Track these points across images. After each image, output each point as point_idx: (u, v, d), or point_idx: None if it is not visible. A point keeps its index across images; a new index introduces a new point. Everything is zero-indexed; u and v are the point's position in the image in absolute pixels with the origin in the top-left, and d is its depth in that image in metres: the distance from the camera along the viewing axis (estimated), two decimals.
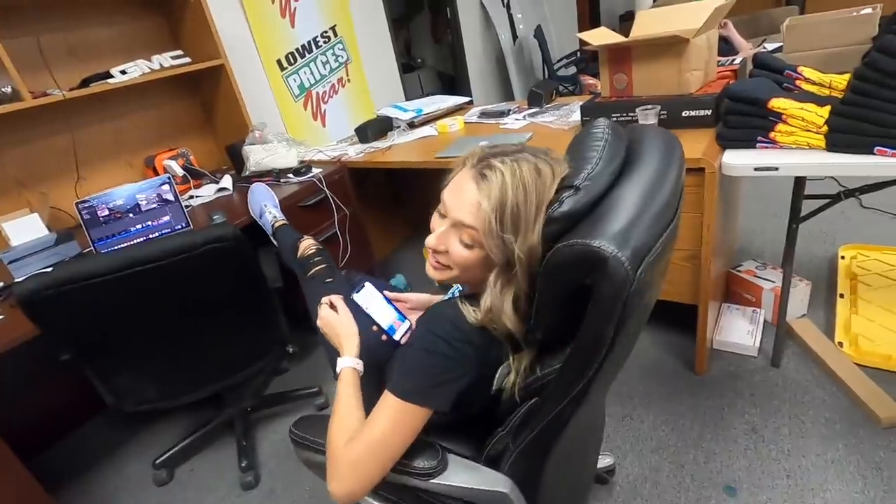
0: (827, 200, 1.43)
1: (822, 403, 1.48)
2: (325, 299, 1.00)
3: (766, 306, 1.81)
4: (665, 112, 1.54)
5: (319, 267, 1.43)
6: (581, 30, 5.73)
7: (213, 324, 1.41)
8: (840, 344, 1.64)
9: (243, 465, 1.62)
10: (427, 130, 2.32)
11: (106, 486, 1.74)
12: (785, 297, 1.58)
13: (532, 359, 0.76)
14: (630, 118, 1.59)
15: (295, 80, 2.78)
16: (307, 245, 1.55)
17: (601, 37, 1.67)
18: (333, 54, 2.98)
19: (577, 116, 1.85)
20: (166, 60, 2.07)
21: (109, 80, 1.90)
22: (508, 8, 4.40)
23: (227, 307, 1.40)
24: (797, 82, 1.35)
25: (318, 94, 2.92)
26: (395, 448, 0.71)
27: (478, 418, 0.84)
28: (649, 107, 1.49)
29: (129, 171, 2.17)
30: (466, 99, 2.69)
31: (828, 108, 1.22)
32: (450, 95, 2.71)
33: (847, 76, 1.24)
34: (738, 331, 1.75)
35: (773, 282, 1.80)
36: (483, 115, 2.34)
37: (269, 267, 1.56)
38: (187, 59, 2.13)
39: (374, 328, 0.94)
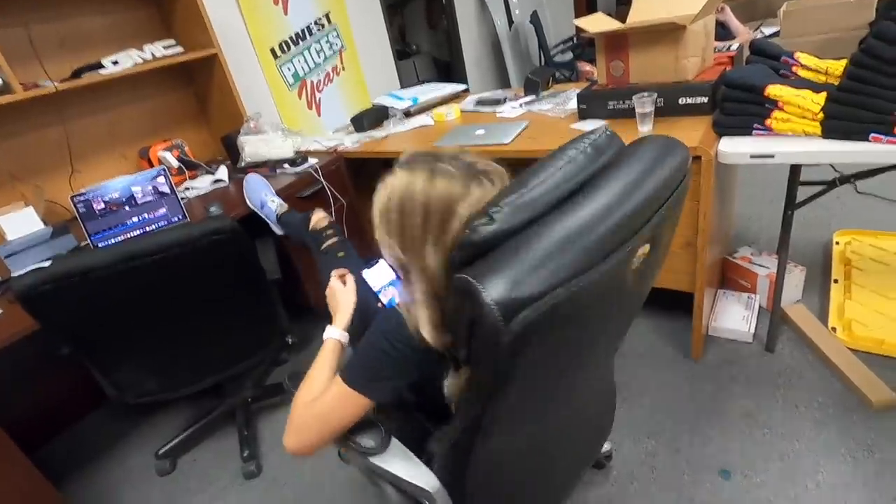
0: (822, 187, 1.44)
1: (816, 388, 1.50)
2: (337, 271, 1.06)
3: (761, 292, 1.83)
4: (662, 99, 1.53)
5: (332, 241, 1.45)
6: (578, 15, 5.67)
7: (213, 316, 1.42)
8: (833, 329, 1.66)
9: (245, 454, 1.64)
10: (423, 119, 2.30)
11: (109, 477, 1.76)
12: (780, 284, 1.59)
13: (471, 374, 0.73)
14: (626, 106, 1.59)
15: (289, 69, 2.76)
16: (319, 218, 1.57)
17: (598, 23, 1.66)
18: (328, 42, 2.94)
19: (573, 104, 1.84)
20: (158, 50, 2.04)
21: (101, 71, 1.88)
22: None
23: (226, 299, 1.41)
24: (794, 69, 1.35)
25: (312, 82, 2.89)
26: (334, 423, 0.79)
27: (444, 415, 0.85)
28: (646, 94, 1.49)
29: (123, 163, 2.15)
30: (462, 87, 2.67)
31: (824, 94, 1.22)
32: (446, 83, 2.69)
33: (844, 62, 1.24)
34: (734, 317, 1.77)
35: (768, 268, 1.81)
36: (479, 103, 2.32)
37: (267, 258, 1.57)
38: (180, 49, 2.10)
39: (380, 304, 0.97)
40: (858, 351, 1.56)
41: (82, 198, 1.61)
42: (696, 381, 1.62)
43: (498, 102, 2.25)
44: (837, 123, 1.21)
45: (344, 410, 0.77)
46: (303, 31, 2.79)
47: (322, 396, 0.79)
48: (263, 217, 1.78)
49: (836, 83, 1.22)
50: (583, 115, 1.74)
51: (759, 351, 1.67)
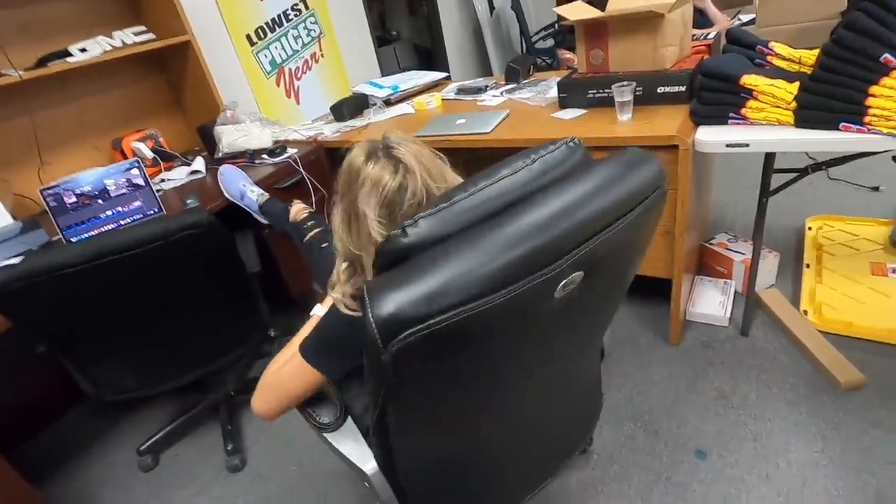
0: (795, 174, 1.47)
1: (788, 370, 1.55)
2: None
3: (736, 278, 1.87)
4: (641, 88, 1.54)
5: (314, 232, 1.47)
6: (558, 2, 5.63)
7: (192, 311, 1.40)
8: (805, 312, 1.71)
9: (229, 448, 1.64)
10: (404, 108, 2.28)
11: (89, 474, 1.74)
12: (754, 269, 1.63)
13: None
14: (606, 94, 1.59)
15: (266, 56, 2.70)
16: (298, 209, 1.58)
17: (577, 11, 1.65)
18: (305, 28, 2.88)
19: (554, 93, 1.84)
20: (129, 37, 1.98)
21: (69, 59, 1.81)
22: None
23: (206, 294, 1.39)
24: (768, 58, 1.36)
25: (290, 70, 2.83)
26: (289, 391, 0.85)
27: None
28: (625, 83, 1.50)
29: (95, 154, 2.09)
30: (443, 74, 2.65)
31: (797, 84, 1.24)
32: (426, 71, 2.66)
33: (817, 51, 1.26)
34: (710, 302, 1.81)
35: (743, 254, 1.85)
36: (460, 91, 2.31)
37: (246, 251, 1.55)
38: (151, 36, 2.04)
39: None
40: (829, 333, 1.61)
41: (52, 191, 1.56)
42: (674, 365, 1.66)
43: (479, 91, 2.24)
44: (809, 112, 1.24)
45: (297, 379, 0.84)
46: (279, 16, 2.72)
47: (284, 365, 0.85)
48: (245, 208, 1.75)
49: (809, 72, 1.24)
50: (563, 104, 1.74)
51: (735, 335, 1.72)
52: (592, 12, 1.64)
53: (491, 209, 0.57)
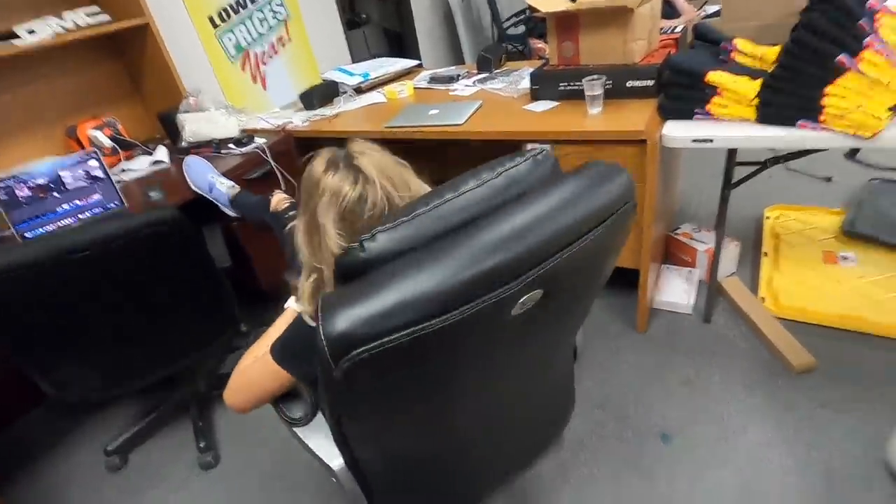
0: (757, 167, 1.52)
1: (747, 355, 1.63)
2: None
3: (700, 266, 1.95)
4: (610, 82, 1.56)
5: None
6: None
7: (160, 309, 1.36)
8: (763, 299, 1.80)
9: (201, 445, 1.61)
10: (375, 96, 2.25)
11: (54, 476, 1.69)
12: (717, 258, 1.70)
13: None
14: (577, 87, 1.61)
15: (230, 39, 2.59)
16: (280, 199, 1.53)
17: (549, 3, 1.65)
18: (271, 10, 2.78)
19: (526, 84, 1.84)
20: (81, 18, 1.87)
21: (15, 42, 1.70)
22: None
23: (173, 291, 1.35)
24: (732, 55, 1.40)
25: (256, 54, 2.74)
26: (258, 389, 0.87)
27: None
28: (595, 77, 1.51)
29: (47, 144, 1.98)
30: (415, 63, 2.61)
31: (759, 81, 1.28)
32: (398, 58, 2.62)
33: (778, 48, 1.30)
34: (676, 290, 1.87)
35: (706, 243, 1.92)
36: (433, 80, 2.29)
37: (215, 245, 1.51)
38: (106, 17, 1.93)
39: None
40: (784, 319, 1.70)
41: (2, 184, 1.48)
42: (641, 352, 1.72)
43: (451, 80, 2.22)
44: (770, 110, 1.28)
45: (265, 378, 0.84)
46: None
47: (255, 363, 0.86)
48: (213, 200, 1.70)
49: (771, 70, 1.29)
50: (535, 95, 1.75)
51: (698, 322, 1.79)
52: (564, 4, 1.65)
53: (452, 223, 0.57)
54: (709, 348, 1.68)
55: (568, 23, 1.63)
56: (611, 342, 1.77)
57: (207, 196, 1.70)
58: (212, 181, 1.68)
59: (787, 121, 1.27)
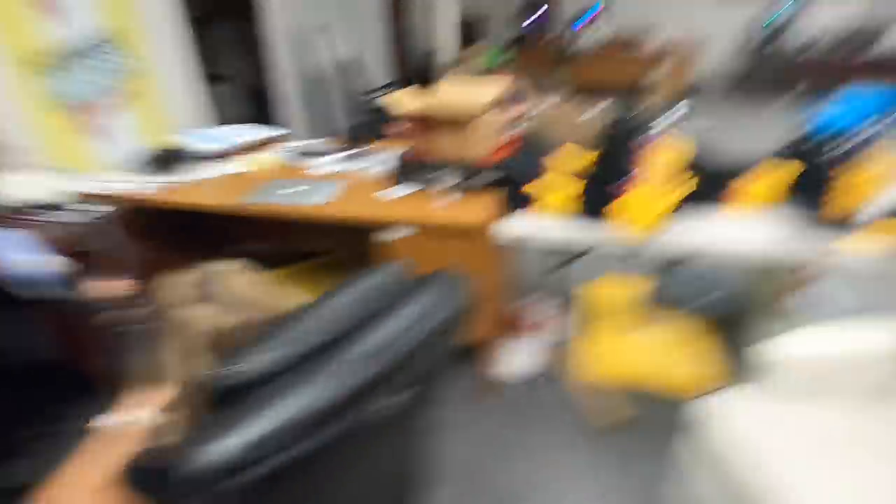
0: (576, 255, 1.83)
1: (567, 415, 1.89)
2: None
3: (538, 335, 2.20)
4: (460, 176, 1.76)
5: (128, 314, 1.30)
6: (394, 61, 6.02)
7: None
8: (586, 365, 2.08)
9: None
10: (234, 165, 2.19)
11: None
12: (551, 329, 1.95)
13: None
14: (432, 178, 1.78)
15: (56, 86, 2.28)
16: (108, 286, 1.37)
17: (406, 102, 1.83)
18: (114, 58, 2.55)
19: (390, 165, 1.97)
20: None
21: None
22: (324, 31, 4.40)
23: None
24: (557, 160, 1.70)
25: (89, 106, 2.46)
26: None
27: None
28: (446, 170, 1.70)
29: None
30: (282, 131, 2.60)
31: (579, 183, 1.57)
32: (262, 126, 2.60)
33: (593, 155, 1.60)
34: (515, 359, 2.10)
35: (543, 313, 2.19)
36: (297, 152, 2.30)
37: (21, 335, 1.30)
38: None
39: None
40: (603, 381, 1.98)
41: None
42: (483, 421, 1.88)
43: (317, 154, 2.26)
44: (586, 208, 1.58)
45: None
46: (77, 39, 2.34)
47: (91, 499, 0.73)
48: (23, 281, 1.46)
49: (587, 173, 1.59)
50: (398, 180, 1.87)
51: (533, 388, 2.02)
52: (421, 101, 1.84)
53: (321, 340, 0.61)
54: (544, 412, 1.90)
55: (423, 121, 1.82)
56: (461, 413, 1.91)
57: (16, 276, 1.47)
58: (21, 258, 1.46)
59: (597, 216, 1.57)
